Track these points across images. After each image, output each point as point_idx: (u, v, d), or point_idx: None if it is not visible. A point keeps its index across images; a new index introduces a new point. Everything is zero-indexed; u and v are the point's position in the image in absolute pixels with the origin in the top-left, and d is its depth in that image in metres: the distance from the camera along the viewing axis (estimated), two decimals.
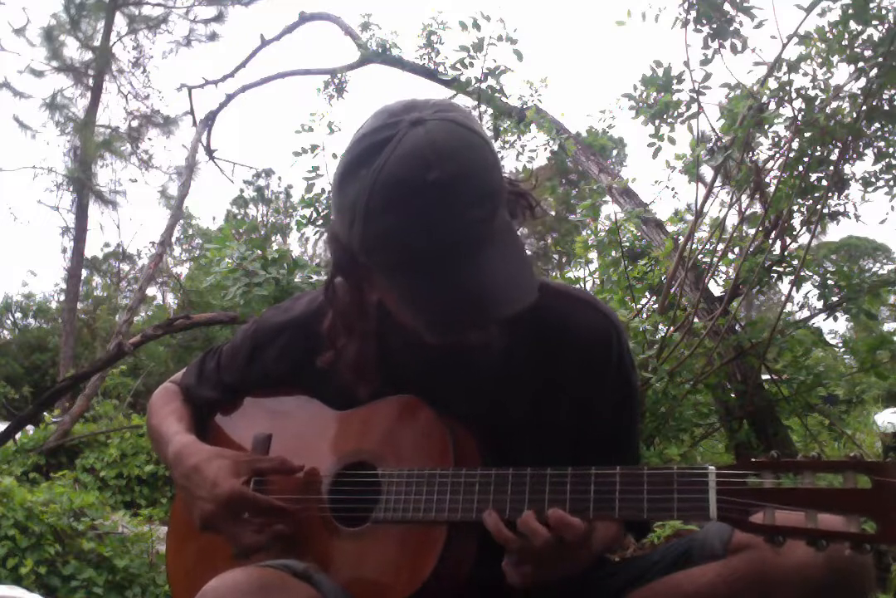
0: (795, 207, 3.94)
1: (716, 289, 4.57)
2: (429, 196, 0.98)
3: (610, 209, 5.12)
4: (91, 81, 16.08)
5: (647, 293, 4.61)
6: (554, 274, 18.99)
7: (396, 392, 1.23)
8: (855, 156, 3.87)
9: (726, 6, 3.58)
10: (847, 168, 3.92)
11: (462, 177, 0.99)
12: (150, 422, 1.44)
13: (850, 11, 3.51)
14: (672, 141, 3.96)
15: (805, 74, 3.69)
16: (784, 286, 4.16)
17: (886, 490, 0.90)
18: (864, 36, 3.57)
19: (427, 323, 1.05)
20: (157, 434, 1.39)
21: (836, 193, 3.97)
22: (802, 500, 0.93)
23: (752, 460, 0.99)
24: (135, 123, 16.57)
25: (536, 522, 1.04)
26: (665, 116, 3.89)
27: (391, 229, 1.00)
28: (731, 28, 3.60)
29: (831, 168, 3.73)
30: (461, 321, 1.04)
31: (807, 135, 3.65)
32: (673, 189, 4.45)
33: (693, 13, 3.62)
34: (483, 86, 5.27)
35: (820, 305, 4.10)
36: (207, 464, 1.23)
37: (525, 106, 5.83)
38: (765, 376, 4.36)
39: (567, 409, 1.24)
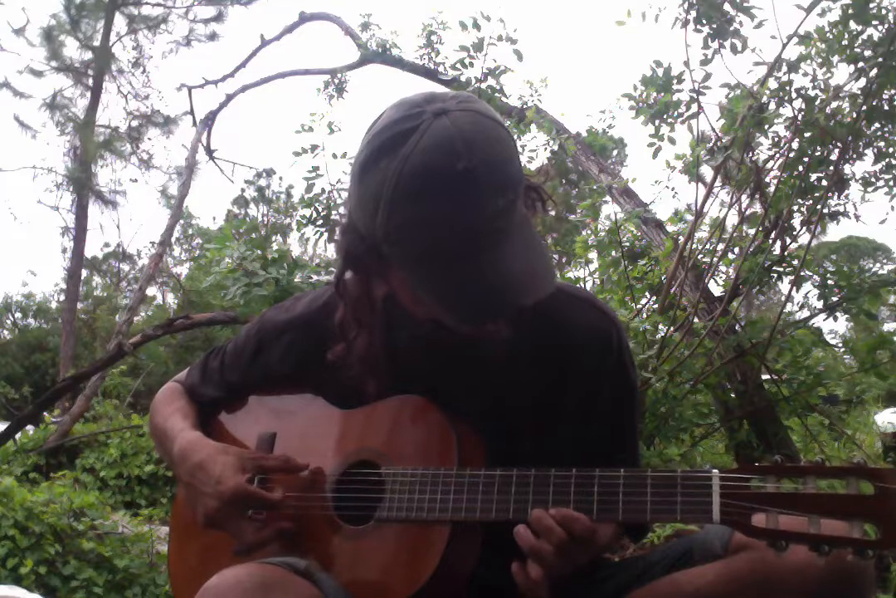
0: (795, 207, 3.94)
1: (716, 289, 4.57)
2: (457, 185, 0.98)
3: (610, 209, 5.13)
4: (91, 81, 16.08)
5: (647, 293, 4.61)
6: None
7: (403, 389, 1.23)
8: (855, 156, 3.87)
9: (726, 6, 3.58)
10: (847, 168, 3.92)
11: (488, 167, 0.99)
12: (154, 420, 1.44)
13: (850, 11, 3.52)
14: (672, 141, 3.96)
15: (805, 74, 3.70)
16: (784, 286, 4.16)
17: (889, 496, 0.90)
18: (864, 36, 3.58)
19: (450, 313, 1.05)
20: (160, 432, 1.39)
21: (836, 193, 3.97)
22: (805, 505, 0.93)
23: (756, 464, 0.99)
24: (135, 123, 16.57)
25: (550, 519, 1.05)
26: (665, 116, 3.89)
27: (418, 219, 0.99)
28: (731, 28, 3.60)
29: (831, 168, 3.73)
30: (484, 311, 1.05)
31: (807, 135, 3.65)
32: (673, 189, 4.45)
33: (693, 13, 3.61)
34: (483, 86, 5.27)
35: (820, 305, 4.10)
36: (212, 461, 1.23)
37: (525, 106, 5.83)
38: (765, 376, 4.36)
39: (568, 407, 1.25)
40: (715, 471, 1.00)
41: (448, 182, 0.98)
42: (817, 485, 0.95)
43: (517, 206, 1.05)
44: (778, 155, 3.83)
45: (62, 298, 20.59)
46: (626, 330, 3.67)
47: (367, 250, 1.07)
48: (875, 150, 3.90)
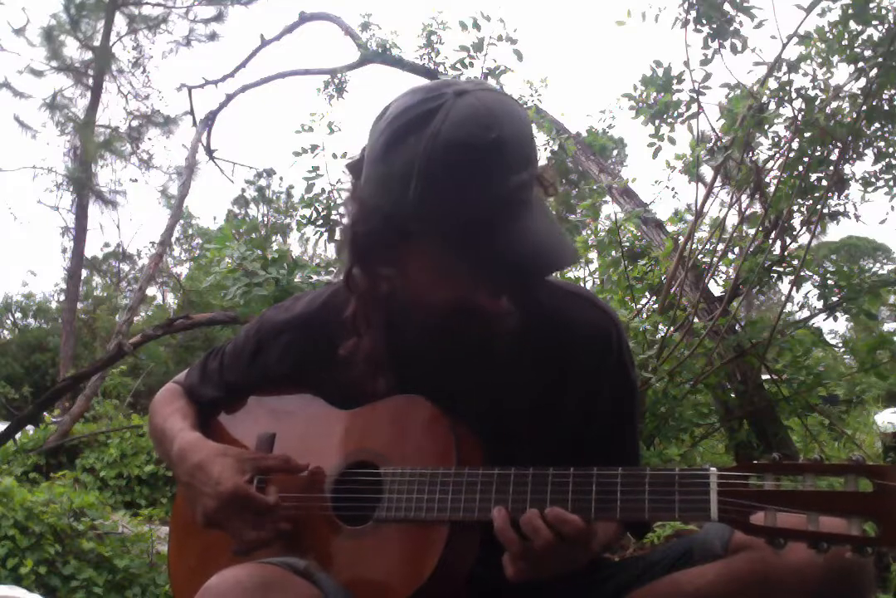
0: (795, 207, 3.94)
1: (716, 289, 4.57)
2: (490, 155, 1.01)
3: (610, 209, 5.14)
4: (91, 81, 16.08)
5: (647, 293, 4.61)
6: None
7: (403, 390, 1.23)
8: (855, 156, 3.87)
9: (726, 6, 3.58)
10: (847, 168, 3.93)
11: (515, 139, 1.04)
12: (153, 422, 1.43)
13: (850, 11, 3.52)
14: (672, 141, 3.96)
15: (805, 74, 3.70)
16: (784, 286, 4.17)
17: (888, 493, 0.90)
18: (864, 36, 3.58)
19: (488, 279, 1.07)
20: (160, 433, 1.39)
21: (836, 193, 3.97)
22: (804, 502, 0.93)
23: (754, 461, 0.99)
24: (135, 123, 16.58)
25: (540, 520, 1.04)
26: (665, 116, 3.89)
27: (454, 188, 1.01)
28: (731, 28, 3.61)
29: (831, 168, 3.73)
30: (523, 275, 1.08)
31: (807, 135, 3.65)
32: (673, 189, 4.46)
33: (693, 13, 3.62)
34: None
35: (820, 305, 4.10)
36: (211, 461, 1.24)
37: (525, 106, 5.84)
38: (765, 376, 4.36)
39: (568, 407, 1.24)
40: (713, 469, 1.00)
41: (482, 152, 1.01)
42: (816, 482, 0.94)
43: (534, 181, 1.09)
44: (778, 155, 3.84)
45: (62, 298, 20.62)
46: (626, 330, 3.68)
47: (388, 233, 1.08)
48: (875, 150, 3.91)
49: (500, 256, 1.03)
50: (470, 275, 1.07)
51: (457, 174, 1.01)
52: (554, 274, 1.18)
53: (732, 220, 4.20)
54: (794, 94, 3.61)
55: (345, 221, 1.16)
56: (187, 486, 1.26)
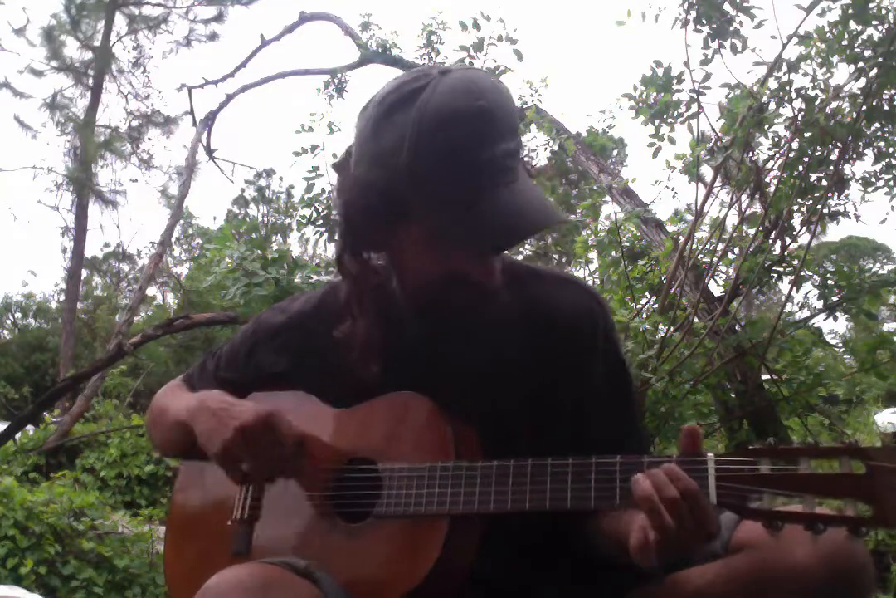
0: (795, 207, 3.94)
1: (716, 289, 4.57)
2: (478, 121, 1.05)
3: (610, 209, 5.13)
4: (91, 81, 16.07)
5: (647, 293, 4.61)
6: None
7: (398, 382, 1.23)
8: (855, 156, 3.87)
9: (726, 6, 3.58)
10: (847, 168, 3.93)
11: (502, 109, 1.08)
12: (154, 408, 1.41)
13: (850, 11, 3.52)
14: (672, 141, 3.95)
15: (805, 74, 3.70)
16: (784, 286, 4.17)
17: (881, 474, 0.91)
18: (864, 36, 3.58)
19: (481, 240, 1.09)
20: (162, 410, 1.36)
21: (836, 193, 3.97)
22: (799, 485, 0.95)
23: (750, 447, 1.00)
24: (135, 123, 16.57)
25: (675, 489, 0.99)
26: (665, 116, 3.89)
27: (446, 155, 1.05)
28: (731, 28, 3.60)
29: (831, 168, 3.73)
30: (515, 234, 1.11)
31: (807, 135, 3.65)
32: (673, 189, 4.45)
33: (693, 13, 3.62)
34: None
35: (820, 305, 4.10)
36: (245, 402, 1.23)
37: (525, 106, 5.84)
38: (765, 376, 4.36)
39: (563, 393, 1.25)
40: (710, 455, 1.01)
41: (470, 118, 1.05)
42: (811, 466, 0.96)
43: (520, 153, 1.12)
44: (778, 155, 3.83)
45: (62, 298, 20.63)
46: (626, 330, 3.69)
47: (383, 211, 1.10)
48: (875, 150, 3.91)
49: (491, 217, 1.06)
50: (463, 240, 1.09)
51: (447, 141, 1.04)
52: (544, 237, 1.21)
53: (732, 220, 4.20)
54: (794, 94, 3.61)
55: (336, 209, 1.19)
56: (214, 415, 1.19)
